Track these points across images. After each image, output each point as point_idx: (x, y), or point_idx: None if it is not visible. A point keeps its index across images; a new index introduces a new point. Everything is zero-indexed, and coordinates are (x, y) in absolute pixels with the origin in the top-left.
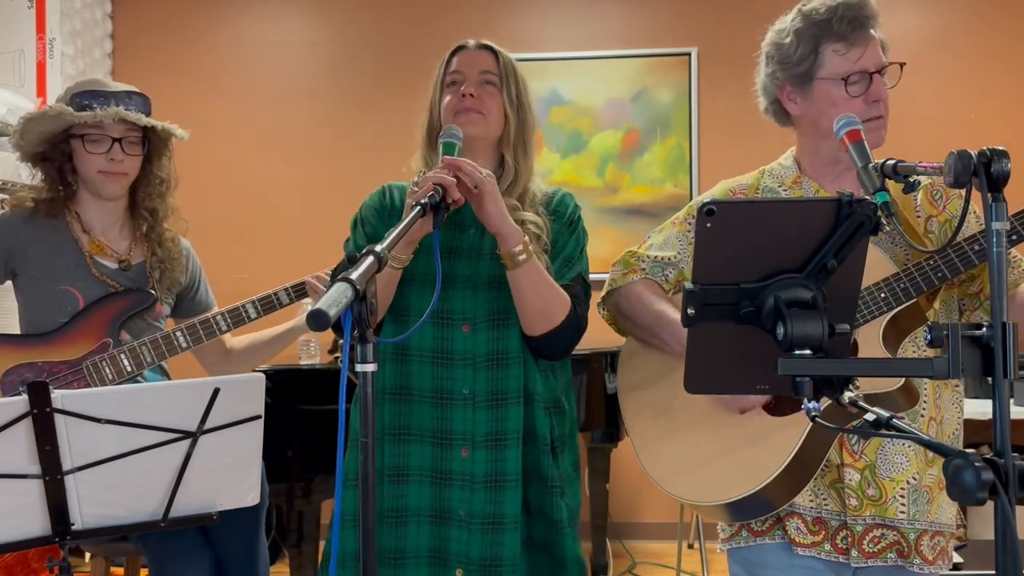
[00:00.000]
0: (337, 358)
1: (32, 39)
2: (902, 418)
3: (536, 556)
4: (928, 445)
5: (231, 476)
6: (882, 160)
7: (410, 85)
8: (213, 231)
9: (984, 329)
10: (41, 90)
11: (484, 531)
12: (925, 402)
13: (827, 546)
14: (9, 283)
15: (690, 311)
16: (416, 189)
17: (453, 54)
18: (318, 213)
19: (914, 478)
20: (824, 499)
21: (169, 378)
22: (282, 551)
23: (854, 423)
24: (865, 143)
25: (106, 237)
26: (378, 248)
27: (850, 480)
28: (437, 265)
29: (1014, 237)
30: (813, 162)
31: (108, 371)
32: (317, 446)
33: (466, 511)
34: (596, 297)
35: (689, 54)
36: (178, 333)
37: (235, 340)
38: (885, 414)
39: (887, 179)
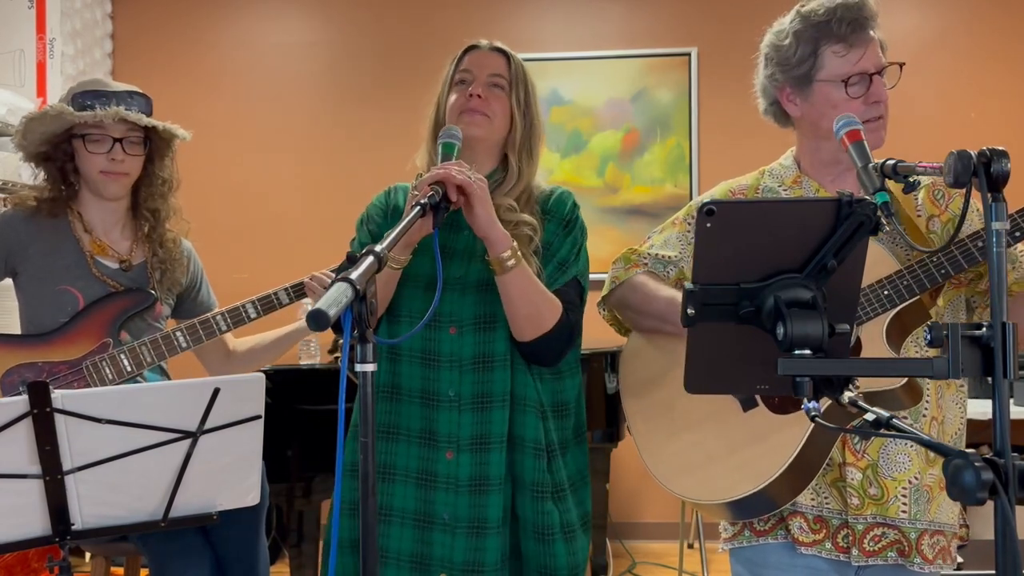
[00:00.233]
0: (337, 358)
1: (32, 39)
2: (903, 418)
3: (520, 565)
4: (928, 445)
5: (231, 476)
6: (882, 160)
7: (410, 85)
8: (213, 231)
9: (984, 329)
10: (41, 90)
11: (468, 535)
12: (927, 401)
13: (828, 544)
14: (9, 283)
15: (690, 311)
16: (416, 192)
17: (465, 52)
18: (318, 213)
19: (916, 477)
20: (825, 498)
21: (169, 378)
22: (282, 551)
23: (854, 423)
24: (865, 143)
25: (108, 237)
26: (378, 248)
27: (852, 479)
28: (438, 266)
29: (1016, 234)
30: (813, 162)
31: (108, 371)
32: (317, 446)
33: (450, 515)
34: (596, 297)
35: (689, 54)
36: (178, 333)
37: (237, 342)
38: (885, 414)
39: (887, 179)
